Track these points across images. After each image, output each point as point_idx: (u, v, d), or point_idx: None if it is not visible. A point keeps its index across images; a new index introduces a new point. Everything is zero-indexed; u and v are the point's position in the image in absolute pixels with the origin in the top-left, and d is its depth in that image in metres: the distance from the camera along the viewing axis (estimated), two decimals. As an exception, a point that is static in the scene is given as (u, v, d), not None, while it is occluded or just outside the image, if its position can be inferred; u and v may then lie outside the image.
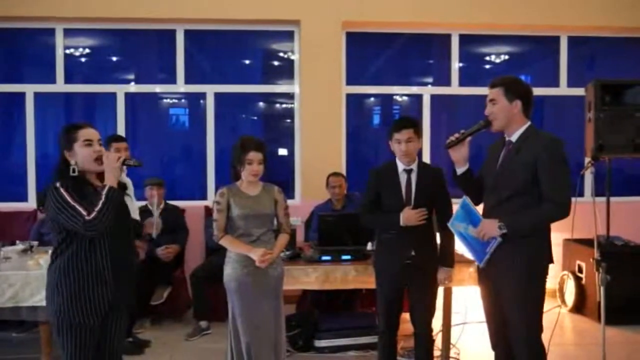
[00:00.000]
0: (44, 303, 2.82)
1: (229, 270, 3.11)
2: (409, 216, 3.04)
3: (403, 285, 3.17)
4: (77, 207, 2.25)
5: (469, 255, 2.92)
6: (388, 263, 3.16)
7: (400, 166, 3.16)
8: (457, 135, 2.77)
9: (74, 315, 2.32)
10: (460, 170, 2.83)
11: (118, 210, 2.38)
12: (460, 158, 2.80)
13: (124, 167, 2.50)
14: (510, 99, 2.69)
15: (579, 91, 5.41)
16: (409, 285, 3.16)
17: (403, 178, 3.14)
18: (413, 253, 3.08)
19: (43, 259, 3.61)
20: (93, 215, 2.25)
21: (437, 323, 4.10)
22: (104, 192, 2.31)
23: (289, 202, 5.61)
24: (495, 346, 2.90)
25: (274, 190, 3.22)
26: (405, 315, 3.32)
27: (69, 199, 2.26)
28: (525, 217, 2.63)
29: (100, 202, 2.28)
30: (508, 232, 2.61)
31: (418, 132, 3.12)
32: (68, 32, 5.64)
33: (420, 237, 3.09)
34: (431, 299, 3.21)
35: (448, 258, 3.21)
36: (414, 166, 3.15)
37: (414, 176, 3.14)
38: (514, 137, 2.73)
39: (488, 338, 2.92)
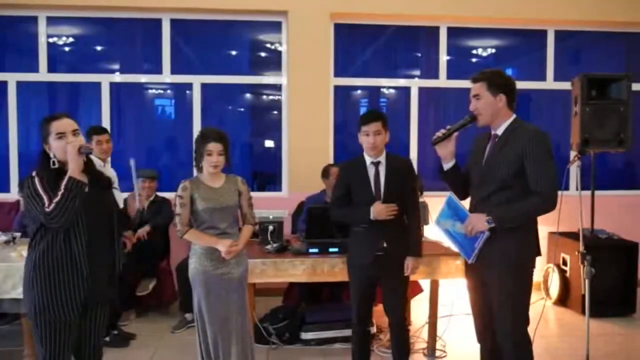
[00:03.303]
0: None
1: (194, 264, 3.09)
2: (379, 210, 3.05)
3: (375, 277, 3.18)
4: (44, 197, 2.22)
5: (455, 249, 2.90)
6: (360, 255, 3.16)
7: (368, 160, 3.16)
8: (443, 131, 2.77)
9: (51, 310, 2.28)
10: (447, 166, 2.83)
11: (93, 202, 2.33)
12: (447, 154, 2.79)
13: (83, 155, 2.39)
14: (494, 93, 2.68)
15: (566, 85, 5.44)
16: (381, 277, 3.17)
17: (371, 171, 3.14)
18: (385, 245, 3.09)
19: (25, 250, 3.54)
20: (51, 207, 2.20)
21: (423, 315, 4.14)
22: (63, 183, 2.24)
23: (276, 194, 5.70)
24: (481, 339, 2.91)
25: (237, 181, 3.20)
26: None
27: (39, 188, 2.23)
28: (513, 210, 2.62)
29: (59, 194, 2.22)
30: (496, 225, 2.61)
31: (385, 125, 3.12)
32: (51, 20, 5.55)
33: (391, 229, 3.10)
34: (403, 289, 3.24)
35: (416, 248, 3.19)
36: (382, 159, 3.15)
37: (382, 169, 3.14)
38: (499, 131, 2.72)
39: (474, 330, 2.93)
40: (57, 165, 2.32)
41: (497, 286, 2.68)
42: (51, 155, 2.33)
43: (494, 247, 2.66)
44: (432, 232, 4.04)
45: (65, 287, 2.30)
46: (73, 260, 2.32)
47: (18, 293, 3.41)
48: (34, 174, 2.27)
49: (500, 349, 2.74)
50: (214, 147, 3.03)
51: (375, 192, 3.12)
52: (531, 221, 2.71)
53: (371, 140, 3.07)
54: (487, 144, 2.78)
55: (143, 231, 4.74)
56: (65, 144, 2.32)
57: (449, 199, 2.80)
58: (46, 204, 2.20)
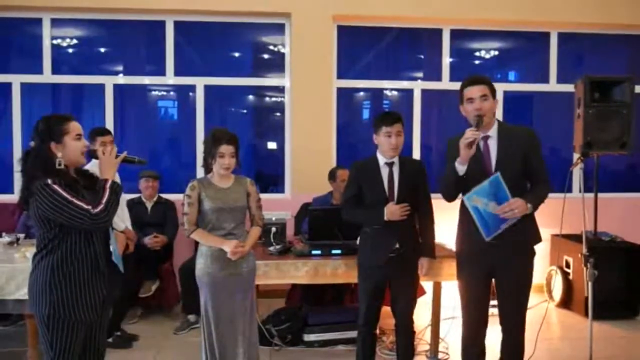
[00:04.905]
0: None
1: (201, 265, 3.09)
2: (393, 211, 3.05)
3: (387, 278, 3.19)
4: (77, 202, 2.21)
5: (479, 225, 2.83)
6: (373, 256, 3.17)
7: (382, 160, 3.16)
8: (476, 133, 2.71)
9: (73, 312, 2.28)
10: (464, 169, 2.79)
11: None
12: (470, 156, 2.76)
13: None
14: (493, 97, 2.88)
15: (569, 87, 5.44)
16: (392, 278, 3.18)
17: (385, 172, 3.15)
18: (397, 246, 3.10)
19: (29, 251, 3.55)
20: (100, 208, 2.23)
21: (426, 317, 4.14)
22: (108, 185, 2.31)
23: (279, 196, 5.71)
24: (474, 343, 2.99)
25: (246, 182, 3.19)
26: (389, 310, 3.34)
27: (66, 195, 2.20)
28: (539, 197, 2.80)
29: (106, 195, 2.28)
30: (533, 211, 2.78)
31: (403, 127, 3.16)
32: (55, 22, 5.57)
33: (403, 230, 3.12)
34: (414, 290, 3.25)
35: (430, 249, 3.24)
36: (395, 159, 3.16)
37: (395, 169, 3.15)
38: (491, 132, 2.86)
39: (465, 335, 3.02)
40: (62, 166, 2.30)
41: (513, 275, 2.85)
42: (58, 155, 2.30)
43: (506, 236, 2.80)
44: (436, 233, 4.03)
45: (89, 288, 2.32)
46: (93, 260, 2.34)
47: (22, 294, 3.43)
48: (49, 181, 2.21)
49: (506, 339, 2.92)
50: (225, 149, 3.02)
51: (389, 193, 3.12)
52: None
53: (393, 141, 3.08)
54: (476, 147, 2.80)
55: (160, 242, 4.80)
56: (82, 145, 2.37)
57: (496, 178, 2.77)
58: (89, 207, 2.21)
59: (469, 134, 2.71)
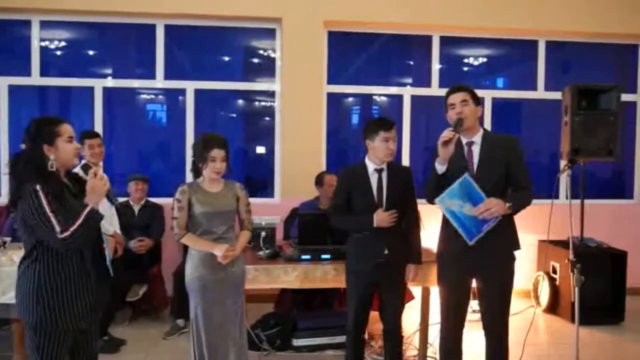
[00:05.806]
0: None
1: (191, 269, 3.09)
2: (381, 219, 3.08)
3: (375, 284, 3.20)
4: (53, 219, 2.17)
5: (460, 231, 2.86)
6: (361, 262, 3.18)
7: (371, 166, 3.17)
8: (451, 133, 2.80)
9: (61, 321, 2.26)
10: (443, 168, 2.86)
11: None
12: (448, 155, 2.83)
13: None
14: (476, 104, 2.95)
15: (556, 95, 5.51)
16: (381, 284, 3.20)
17: (374, 179, 3.17)
18: (386, 252, 3.12)
19: (16, 255, 3.52)
20: (67, 234, 2.17)
21: (414, 322, 4.15)
22: (85, 212, 2.24)
23: (268, 200, 5.71)
24: (453, 342, 3.04)
25: (235, 186, 3.19)
26: (378, 315, 3.35)
27: (46, 207, 2.17)
28: (520, 199, 2.85)
29: (78, 222, 2.21)
30: (512, 211, 2.81)
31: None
32: (44, 24, 5.54)
33: (392, 235, 3.14)
34: (402, 296, 3.28)
35: (417, 255, 3.27)
36: (384, 165, 3.18)
37: (384, 176, 3.17)
38: (476, 138, 2.94)
39: (444, 338, 3.06)
40: (54, 169, 2.29)
41: (494, 279, 2.90)
42: (51, 158, 2.29)
43: (490, 242, 2.84)
44: (425, 238, 4.05)
45: (77, 296, 2.30)
46: (83, 267, 2.32)
47: (8, 298, 3.40)
48: (37, 187, 2.19)
49: (493, 340, 2.95)
50: (217, 153, 3.02)
51: (378, 199, 3.14)
52: (512, 217, 2.94)
53: (391, 146, 3.12)
54: (460, 151, 2.91)
55: (146, 246, 4.76)
56: (74, 148, 2.36)
57: (464, 179, 2.82)
58: (57, 230, 2.16)
59: (445, 133, 2.80)
